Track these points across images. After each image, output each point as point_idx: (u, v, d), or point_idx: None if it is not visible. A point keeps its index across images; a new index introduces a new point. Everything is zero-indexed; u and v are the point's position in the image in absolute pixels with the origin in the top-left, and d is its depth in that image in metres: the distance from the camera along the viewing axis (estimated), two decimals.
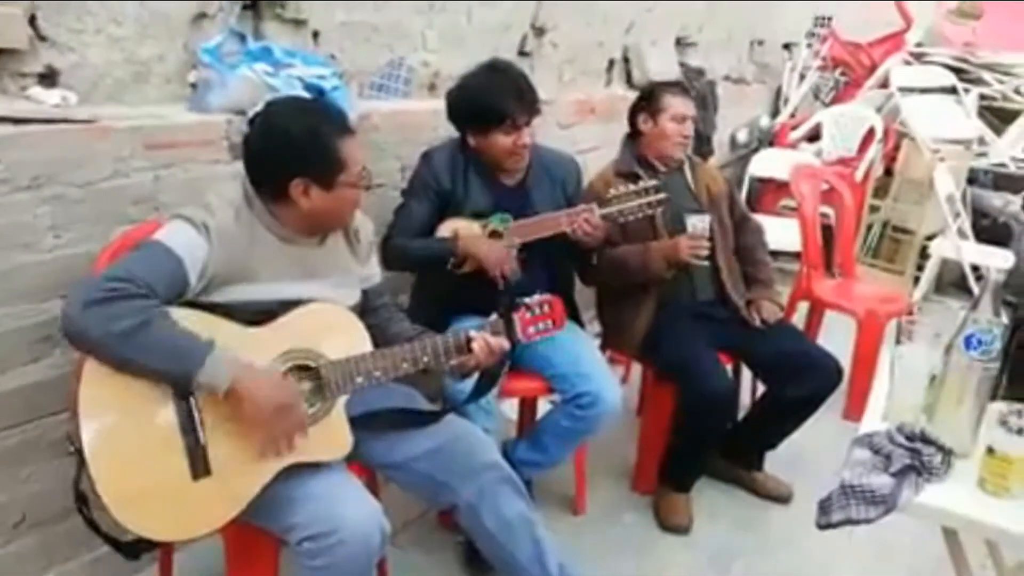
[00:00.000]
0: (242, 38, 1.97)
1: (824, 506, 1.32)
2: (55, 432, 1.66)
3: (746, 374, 2.58)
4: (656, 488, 2.37)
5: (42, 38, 1.69)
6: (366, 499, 1.46)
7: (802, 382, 2.23)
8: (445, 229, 2.06)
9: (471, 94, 2.04)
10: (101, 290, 1.30)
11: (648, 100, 2.39)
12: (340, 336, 1.54)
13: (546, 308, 1.70)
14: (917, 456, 1.27)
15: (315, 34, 2.26)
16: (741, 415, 2.52)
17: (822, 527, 1.32)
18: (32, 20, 1.67)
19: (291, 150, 1.46)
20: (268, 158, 1.49)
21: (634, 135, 2.44)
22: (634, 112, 2.43)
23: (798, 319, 3.19)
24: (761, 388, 2.46)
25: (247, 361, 1.39)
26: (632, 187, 2.07)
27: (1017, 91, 4.51)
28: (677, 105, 2.35)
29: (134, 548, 1.40)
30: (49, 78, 1.72)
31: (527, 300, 1.68)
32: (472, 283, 2.01)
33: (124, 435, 1.33)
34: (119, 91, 1.86)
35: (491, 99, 1.99)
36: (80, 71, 1.77)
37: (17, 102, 1.65)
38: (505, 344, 1.64)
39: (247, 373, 1.37)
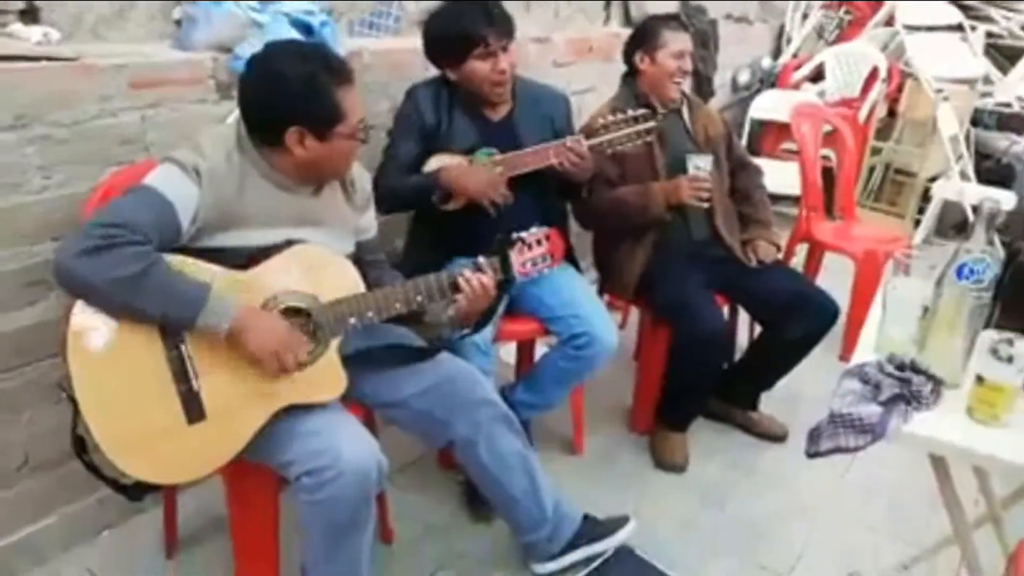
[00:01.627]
0: None
1: (813, 435, 1.33)
2: (53, 374, 1.66)
3: (744, 315, 2.58)
4: (653, 428, 2.39)
5: None
6: (363, 434, 1.47)
7: (797, 321, 2.23)
8: (432, 165, 2.02)
9: (441, 24, 2.00)
10: (95, 237, 1.28)
11: (644, 37, 2.32)
12: (331, 277, 1.52)
13: (543, 242, 1.66)
14: (906, 385, 1.27)
15: None
16: (739, 356, 2.53)
17: (811, 455, 1.33)
18: None
19: (288, 98, 1.42)
20: (264, 104, 1.45)
21: (631, 74, 2.39)
22: (630, 50, 2.36)
23: (797, 262, 3.19)
24: (758, 329, 2.47)
25: (244, 303, 1.39)
26: (621, 116, 2.02)
27: None
28: (675, 41, 2.28)
29: (136, 490, 1.42)
30: (30, 14, 1.69)
31: (523, 235, 1.65)
32: (466, 222, 1.99)
33: (117, 382, 1.33)
34: (101, 28, 1.82)
35: (461, 26, 1.95)
36: (61, 7, 1.73)
37: None
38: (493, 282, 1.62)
39: (246, 315, 1.37)
